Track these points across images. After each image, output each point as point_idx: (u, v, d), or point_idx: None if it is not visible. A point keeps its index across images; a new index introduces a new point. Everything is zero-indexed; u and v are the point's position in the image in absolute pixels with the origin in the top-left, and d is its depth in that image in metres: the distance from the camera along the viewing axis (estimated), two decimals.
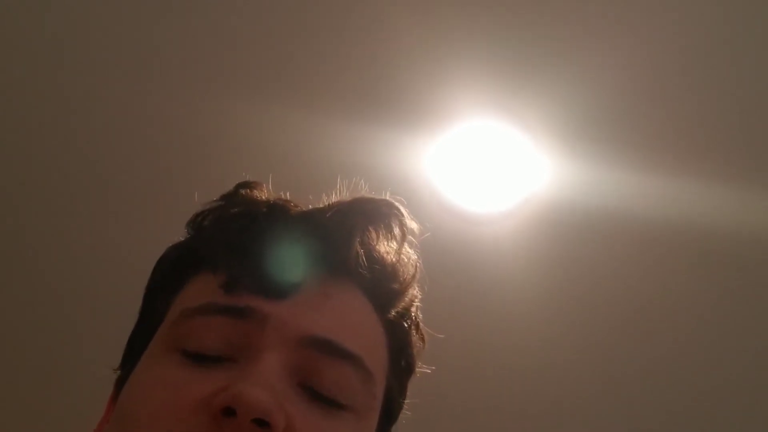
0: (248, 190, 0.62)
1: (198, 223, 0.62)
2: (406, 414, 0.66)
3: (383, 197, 0.62)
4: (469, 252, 1.98)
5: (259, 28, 1.69)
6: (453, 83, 1.73)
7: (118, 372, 0.62)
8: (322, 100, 1.77)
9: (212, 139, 1.85)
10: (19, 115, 1.83)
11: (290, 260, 0.55)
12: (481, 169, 1.88)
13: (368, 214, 0.60)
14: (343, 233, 0.59)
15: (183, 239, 0.63)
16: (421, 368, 0.64)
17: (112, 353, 0.65)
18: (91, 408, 0.70)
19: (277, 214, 0.59)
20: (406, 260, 0.62)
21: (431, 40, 1.67)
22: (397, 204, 0.62)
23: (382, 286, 0.60)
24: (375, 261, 0.60)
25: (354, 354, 0.55)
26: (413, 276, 0.62)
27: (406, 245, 0.62)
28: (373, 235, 0.60)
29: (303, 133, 1.82)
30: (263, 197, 0.62)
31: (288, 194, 0.62)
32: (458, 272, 2.01)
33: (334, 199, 0.62)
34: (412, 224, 0.62)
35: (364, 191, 0.62)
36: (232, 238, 0.57)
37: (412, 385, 0.68)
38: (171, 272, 0.61)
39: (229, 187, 1.91)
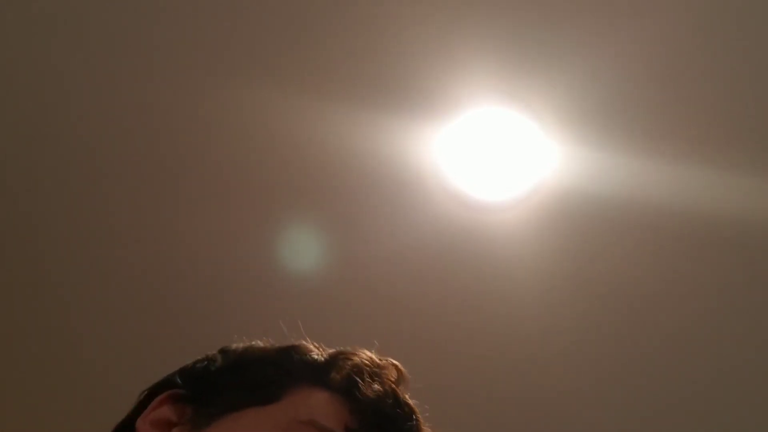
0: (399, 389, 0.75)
1: (358, 372, 0.74)
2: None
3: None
4: (477, 240, 1.98)
5: (267, 14, 1.68)
6: (461, 70, 1.72)
7: (181, 391, 0.73)
8: (331, 87, 1.77)
9: (220, 128, 1.85)
10: (20, 107, 1.83)
11: None
12: (490, 156, 1.87)
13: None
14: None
15: (335, 356, 0.75)
16: None
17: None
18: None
19: (407, 414, 0.73)
20: None
21: (439, 27, 1.67)
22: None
23: None
24: None
25: None
26: None
27: None
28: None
29: (312, 121, 1.81)
30: (403, 397, 0.75)
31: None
32: (467, 260, 2.01)
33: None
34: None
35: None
36: (378, 409, 0.71)
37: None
38: (308, 367, 0.74)
39: (237, 183, 1.86)
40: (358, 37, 1.71)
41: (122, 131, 1.87)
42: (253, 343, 0.79)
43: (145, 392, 0.75)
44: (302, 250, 2.03)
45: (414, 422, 0.73)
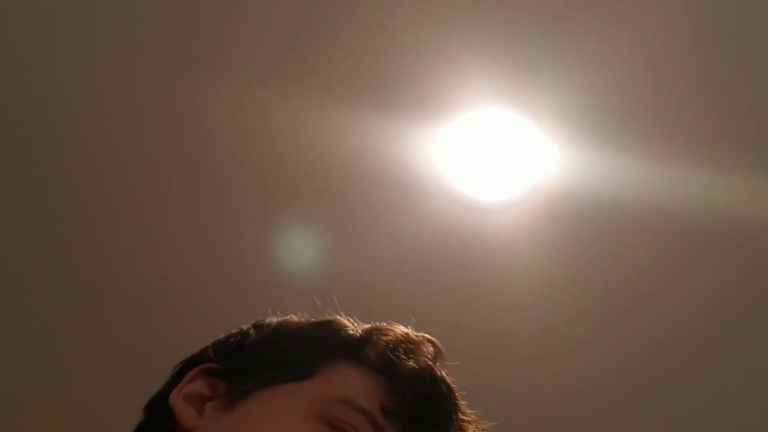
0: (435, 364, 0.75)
1: (394, 348, 0.73)
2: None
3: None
4: (476, 241, 1.98)
5: (267, 14, 1.68)
6: (461, 71, 1.72)
7: (215, 366, 0.72)
8: (330, 88, 1.77)
9: (220, 128, 1.85)
10: (21, 107, 1.83)
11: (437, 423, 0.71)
12: (489, 157, 1.87)
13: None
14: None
15: (369, 332, 0.74)
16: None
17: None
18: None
19: (444, 393, 0.73)
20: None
21: (439, 27, 1.67)
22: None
23: None
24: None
25: None
26: None
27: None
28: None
29: (311, 122, 1.81)
30: (440, 374, 0.74)
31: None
32: (466, 261, 2.01)
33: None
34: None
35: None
36: (414, 388, 0.71)
37: None
38: (342, 343, 0.73)
39: (237, 183, 1.86)
40: (358, 37, 1.71)
41: (122, 131, 1.87)
42: (288, 317, 0.78)
43: (180, 365, 0.75)
44: (301, 250, 2.03)
45: (452, 401, 0.72)
